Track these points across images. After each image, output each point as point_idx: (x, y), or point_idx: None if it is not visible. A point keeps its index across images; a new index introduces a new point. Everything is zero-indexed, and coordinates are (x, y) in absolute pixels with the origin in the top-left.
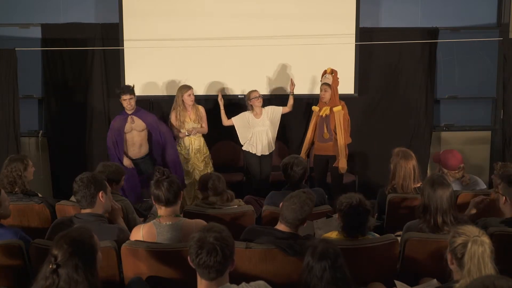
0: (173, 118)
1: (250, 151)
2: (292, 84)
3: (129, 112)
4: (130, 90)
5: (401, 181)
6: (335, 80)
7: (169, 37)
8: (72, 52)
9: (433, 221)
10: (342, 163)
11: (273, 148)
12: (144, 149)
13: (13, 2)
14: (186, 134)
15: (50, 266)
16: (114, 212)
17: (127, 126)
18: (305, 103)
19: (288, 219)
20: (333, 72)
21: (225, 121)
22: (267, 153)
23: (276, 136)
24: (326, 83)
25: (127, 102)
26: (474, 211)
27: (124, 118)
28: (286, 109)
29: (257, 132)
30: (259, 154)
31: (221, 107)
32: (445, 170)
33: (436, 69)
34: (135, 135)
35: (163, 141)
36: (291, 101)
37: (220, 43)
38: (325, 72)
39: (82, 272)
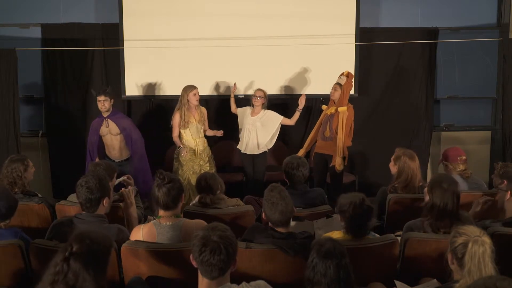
0: (176, 118)
1: (238, 147)
2: (303, 98)
3: (104, 115)
4: (105, 92)
5: (407, 180)
6: (349, 83)
7: (169, 37)
8: (72, 52)
9: (438, 220)
10: (337, 161)
11: (262, 151)
12: (125, 152)
13: (13, 2)
14: (178, 147)
15: (65, 254)
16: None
17: (103, 129)
18: (305, 103)
19: (283, 221)
20: (348, 75)
21: (233, 108)
22: (254, 153)
23: (271, 141)
24: (338, 83)
25: (101, 104)
26: (477, 209)
27: (100, 121)
28: (288, 121)
29: (246, 129)
30: (243, 151)
31: (232, 95)
32: (448, 164)
33: (436, 69)
34: (113, 139)
35: (132, 149)
36: (296, 116)
37: (220, 44)
38: (342, 74)
39: (93, 272)
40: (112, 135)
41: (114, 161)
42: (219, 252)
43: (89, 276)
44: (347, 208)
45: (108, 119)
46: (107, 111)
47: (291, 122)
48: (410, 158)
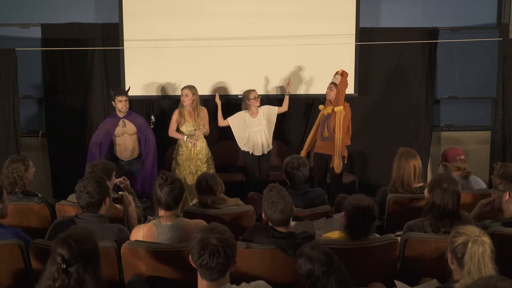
0: (175, 116)
1: (248, 152)
2: (289, 84)
3: (122, 115)
4: (125, 92)
5: (400, 180)
6: (344, 82)
7: (169, 37)
8: (72, 52)
9: (438, 220)
10: (336, 163)
11: (271, 147)
12: (137, 152)
13: (13, 2)
14: (186, 139)
15: (60, 266)
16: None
17: (119, 129)
18: (304, 103)
19: (284, 220)
20: (343, 74)
21: (221, 122)
22: (265, 152)
23: (272, 135)
24: (333, 83)
25: (122, 104)
26: (478, 210)
27: (115, 121)
28: (282, 108)
29: (253, 132)
30: (256, 154)
31: (218, 107)
32: (447, 165)
33: (436, 69)
34: (127, 139)
35: (145, 148)
36: (286, 100)
37: (220, 43)
38: (336, 73)
39: (92, 271)
40: (128, 135)
41: (122, 160)
42: (218, 256)
43: (89, 275)
44: (350, 208)
45: (125, 120)
46: (126, 111)
47: (284, 108)
48: (407, 156)
